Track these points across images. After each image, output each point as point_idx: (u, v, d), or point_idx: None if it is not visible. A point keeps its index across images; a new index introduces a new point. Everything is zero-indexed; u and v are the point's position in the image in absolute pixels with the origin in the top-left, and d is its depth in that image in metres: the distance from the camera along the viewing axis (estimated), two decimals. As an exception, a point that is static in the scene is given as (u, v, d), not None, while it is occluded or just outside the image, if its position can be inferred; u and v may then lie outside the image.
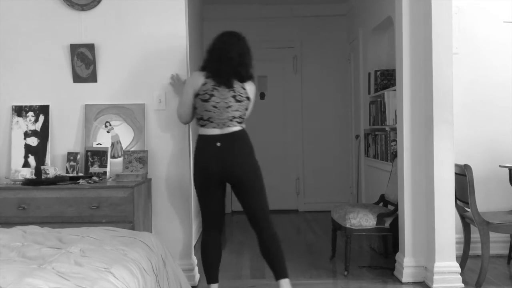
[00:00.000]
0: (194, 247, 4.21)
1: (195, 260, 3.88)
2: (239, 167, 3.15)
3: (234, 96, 3.15)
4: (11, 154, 3.72)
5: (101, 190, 3.31)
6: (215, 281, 3.27)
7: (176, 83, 3.64)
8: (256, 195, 3.27)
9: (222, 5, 6.80)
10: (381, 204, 4.35)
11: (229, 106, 3.13)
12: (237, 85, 3.17)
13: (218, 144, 3.12)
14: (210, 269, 3.26)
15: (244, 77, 3.19)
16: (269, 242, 3.21)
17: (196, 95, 3.17)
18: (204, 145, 3.16)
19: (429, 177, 3.63)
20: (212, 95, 3.12)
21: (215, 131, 3.14)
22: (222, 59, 3.15)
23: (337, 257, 4.37)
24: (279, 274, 3.18)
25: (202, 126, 3.18)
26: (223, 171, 3.12)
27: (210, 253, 3.25)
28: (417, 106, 3.71)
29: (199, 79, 3.17)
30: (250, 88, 3.23)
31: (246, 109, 3.23)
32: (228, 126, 3.14)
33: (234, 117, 3.16)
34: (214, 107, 3.12)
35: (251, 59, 3.22)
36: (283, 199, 7.03)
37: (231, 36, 3.22)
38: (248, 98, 3.21)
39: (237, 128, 3.17)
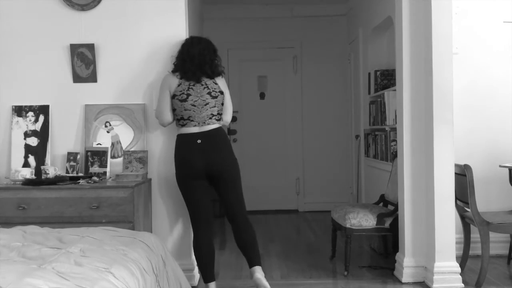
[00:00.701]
0: (194, 247, 4.21)
1: (195, 260, 3.87)
2: (220, 162, 3.31)
3: (209, 93, 3.34)
4: (11, 154, 3.72)
5: (101, 190, 3.31)
6: (212, 279, 3.38)
7: None
8: (235, 189, 3.40)
9: (222, 5, 6.80)
10: (381, 204, 4.35)
11: (207, 104, 3.32)
12: (209, 81, 3.36)
13: (199, 141, 3.29)
14: (205, 269, 3.36)
15: (212, 73, 3.38)
16: (246, 233, 3.37)
17: (173, 96, 3.34)
18: (184, 143, 3.33)
19: (429, 177, 3.63)
20: (189, 94, 3.31)
21: (195, 129, 3.31)
22: (185, 58, 3.35)
23: (337, 257, 4.37)
24: (254, 262, 3.34)
25: (183, 125, 3.34)
26: (205, 166, 3.28)
27: (203, 253, 3.36)
28: (417, 106, 3.71)
29: (173, 80, 3.37)
30: (220, 82, 3.42)
31: (222, 104, 3.41)
32: (208, 124, 3.32)
33: (213, 115, 3.34)
34: (193, 105, 3.30)
35: (215, 57, 3.41)
36: (283, 199, 7.03)
37: (192, 39, 3.46)
38: (221, 92, 3.39)
39: (215, 125, 3.35)
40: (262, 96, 7.07)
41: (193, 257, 3.84)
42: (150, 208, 3.70)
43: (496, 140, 4.42)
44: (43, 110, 3.75)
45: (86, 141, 3.72)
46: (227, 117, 3.49)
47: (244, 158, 7.04)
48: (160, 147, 3.75)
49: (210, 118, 3.32)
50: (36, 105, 3.76)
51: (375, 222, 3.90)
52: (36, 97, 3.77)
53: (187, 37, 3.63)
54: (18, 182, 3.48)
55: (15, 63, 3.77)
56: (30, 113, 3.75)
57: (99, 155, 3.66)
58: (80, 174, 3.63)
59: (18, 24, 3.76)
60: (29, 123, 3.74)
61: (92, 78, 3.75)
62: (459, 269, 3.58)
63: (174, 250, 3.75)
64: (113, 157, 3.71)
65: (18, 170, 3.55)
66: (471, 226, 3.89)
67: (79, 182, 3.43)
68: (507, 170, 4.13)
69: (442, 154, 3.57)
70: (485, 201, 4.26)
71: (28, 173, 3.56)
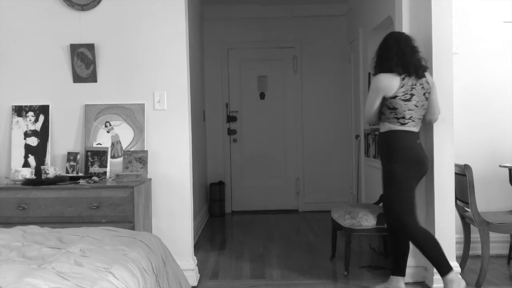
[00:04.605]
0: (194, 247, 4.21)
1: (195, 260, 3.88)
2: (428, 163, 3.41)
3: (424, 94, 3.32)
4: (11, 154, 3.72)
5: (101, 190, 3.31)
6: (451, 267, 3.27)
7: None
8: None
9: (222, 5, 6.80)
10: (381, 204, 4.35)
11: (423, 105, 3.33)
12: (423, 80, 3.32)
13: (418, 141, 3.35)
14: (444, 257, 3.27)
15: (423, 69, 3.31)
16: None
17: (394, 97, 3.25)
18: (410, 141, 3.31)
19: (429, 177, 3.63)
20: (412, 95, 3.26)
21: (415, 129, 3.33)
22: (399, 54, 3.27)
23: (337, 257, 4.36)
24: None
25: (402, 124, 3.30)
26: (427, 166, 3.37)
27: (436, 241, 3.28)
28: (417, 106, 3.71)
29: (394, 81, 3.26)
30: (430, 78, 3.39)
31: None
32: (419, 124, 3.37)
33: (422, 116, 3.37)
34: (416, 106, 3.28)
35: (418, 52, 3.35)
36: (283, 199, 7.03)
37: (398, 34, 3.40)
38: (429, 92, 3.36)
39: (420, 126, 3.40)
40: (262, 96, 7.07)
41: (193, 257, 3.84)
42: (150, 208, 3.70)
43: (496, 140, 4.42)
44: (43, 110, 3.75)
45: (86, 141, 3.72)
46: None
47: (244, 158, 7.05)
48: (160, 147, 3.75)
49: (420, 119, 3.35)
50: (36, 105, 3.76)
51: (375, 222, 3.89)
52: (36, 97, 3.77)
53: (389, 33, 3.48)
54: (18, 182, 3.47)
55: (15, 63, 3.77)
56: (30, 113, 3.75)
57: (99, 155, 3.66)
58: (80, 174, 3.63)
59: (18, 24, 3.76)
60: (29, 123, 3.74)
61: (92, 78, 3.75)
62: (459, 269, 3.58)
63: (174, 250, 3.74)
64: (113, 157, 3.71)
65: (18, 170, 3.55)
66: (471, 226, 3.89)
67: (79, 182, 3.43)
68: (507, 170, 4.13)
69: (442, 154, 3.57)
70: (485, 201, 4.25)
71: (28, 173, 3.56)
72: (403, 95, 3.24)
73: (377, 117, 3.44)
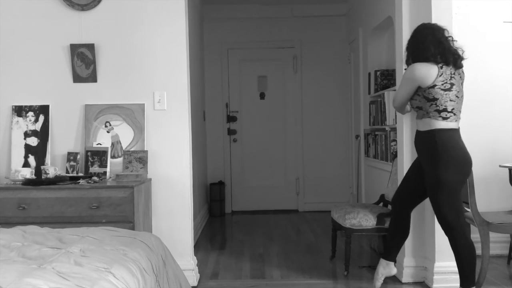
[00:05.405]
0: (194, 247, 4.21)
1: (195, 260, 3.88)
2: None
3: (462, 83, 3.15)
4: (11, 154, 3.72)
5: (101, 190, 3.31)
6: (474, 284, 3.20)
7: None
8: None
9: (222, 5, 6.80)
10: (381, 204, 4.35)
11: (462, 95, 3.13)
12: (461, 70, 3.15)
13: (461, 139, 3.14)
14: (474, 273, 3.18)
15: (461, 59, 3.14)
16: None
17: (433, 86, 3.03)
18: (456, 140, 3.11)
19: (429, 177, 3.62)
20: (452, 84, 3.06)
21: (457, 125, 3.12)
22: (435, 44, 3.08)
23: (337, 257, 4.36)
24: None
25: (445, 118, 3.06)
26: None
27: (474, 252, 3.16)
28: (417, 106, 3.70)
29: (432, 70, 3.03)
30: (463, 71, 3.19)
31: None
32: (459, 119, 3.15)
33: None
34: (456, 96, 3.08)
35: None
36: (283, 199, 7.03)
37: (431, 25, 3.23)
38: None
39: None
40: (262, 96, 7.07)
41: (193, 257, 3.84)
42: (150, 208, 3.70)
43: (496, 140, 4.42)
44: (43, 110, 3.75)
45: (86, 141, 3.72)
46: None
47: (244, 158, 7.05)
48: (160, 147, 3.75)
49: (460, 112, 3.14)
50: (36, 105, 3.76)
51: (375, 222, 3.89)
52: (36, 97, 3.77)
53: (421, 24, 3.28)
54: (18, 182, 3.48)
55: (15, 63, 3.77)
56: (30, 113, 3.75)
57: (99, 155, 3.66)
58: (80, 174, 3.63)
59: (18, 24, 3.76)
60: (29, 123, 3.74)
61: (92, 78, 3.75)
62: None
63: (174, 250, 3.74)
64: (113, 157, 3.71)
65: (18, 170, 3.55)
66: (471, 226, 3.89)
67: (79, 182, 3.43)
68: (507, 170, 4.13)
69: (442, 154, 3.56)
70: (485, 201, 4.25)
71: (28, 173, 3.56)
72: (442, 84, 3.01)
73: (404, 108, 3.35)
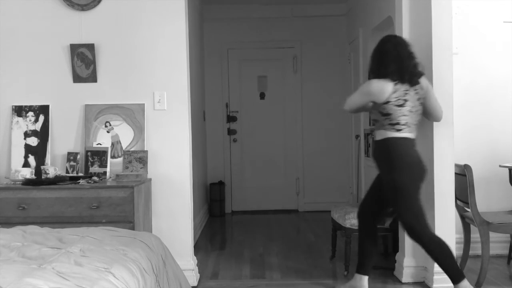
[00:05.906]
0: (194, 247, 4.21)
1: (195, 260, 3.88)
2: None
3: (418, 99, 3.25)
4: (11, 154, 3.72)
5: (101, 190, 3.31)
6: (463, 275, 3.21)
7: None
8: None
9: (222, 5, 6.80)
10: (381, 204, 4.34)
11: (417, 110, 3.26)
12: (418, 86, 3.25)
13: (415, 148, 3.27)
14: (456, 264, 3.20)
15: (419, 75, 3.26)
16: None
17: (387, 102, 3.18)
18: (407, 148, 3.24)
19: (429, 178, 3.62)
20: (406, 100, 3.19)
21: (411, 136, 3.26)
22: (396, 61, 3.20)
23: (337, 257, 4.36)
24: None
25: (398, 130, 3.22)
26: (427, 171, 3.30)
27: (448, 247, 3.19)
28: (417, 106, 3.70)
29: (387, 87, 3.18)
30: (424, 83, 3.30)
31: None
32: (415, 131, 3.30)
33: (417, 121, 3.30)
34: (410, 111, 3.21)
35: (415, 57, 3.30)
36: (283, 199, 7.03)
37: (395, 38, 3.35)
38: (424, 97, 3.30)
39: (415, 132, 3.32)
40: (262, 96, 7.07)
41: (193, 257, 3.84)
42: (150, 208, 3.70)
43: (496, 140, 4.42)
44: (43, 110, 3.75)
45: (86, 141, 3.72)
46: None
47: (244, 158, 7.05)
48: (160, 147, 3.75)
49: (415, 125, 3.28)
50: (36, 105, 3.76)
51: (375, 222, 3.89)
52: (36, 97, 3.77)
53: (385, 36, 3.40)
54: (18, 182, 3.47)
55: (15, 63, 3.76)
56: (30, 113, 3.75)
57: (99, 155, 3.66)
58: (80, 174, 3.63)
59: (18, 24, 3.76)
60: (29, 123, 3.74)
61: (92, 78, 3.75)
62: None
63: (174, 250, 3.74)
64: (113, 157, 3.71)
65: (18, 170, 3.55)
66: (471, 226, 3.89)
67: (79, 182, 3.43)
68: (507, 170, 4.13)
69: (442, 154, 3.57)
70: (485, 201, 4.25)
71: (28, 173, 3.56)
72: (396, 101, 3.16)
73: (353, 113, 3.42)
